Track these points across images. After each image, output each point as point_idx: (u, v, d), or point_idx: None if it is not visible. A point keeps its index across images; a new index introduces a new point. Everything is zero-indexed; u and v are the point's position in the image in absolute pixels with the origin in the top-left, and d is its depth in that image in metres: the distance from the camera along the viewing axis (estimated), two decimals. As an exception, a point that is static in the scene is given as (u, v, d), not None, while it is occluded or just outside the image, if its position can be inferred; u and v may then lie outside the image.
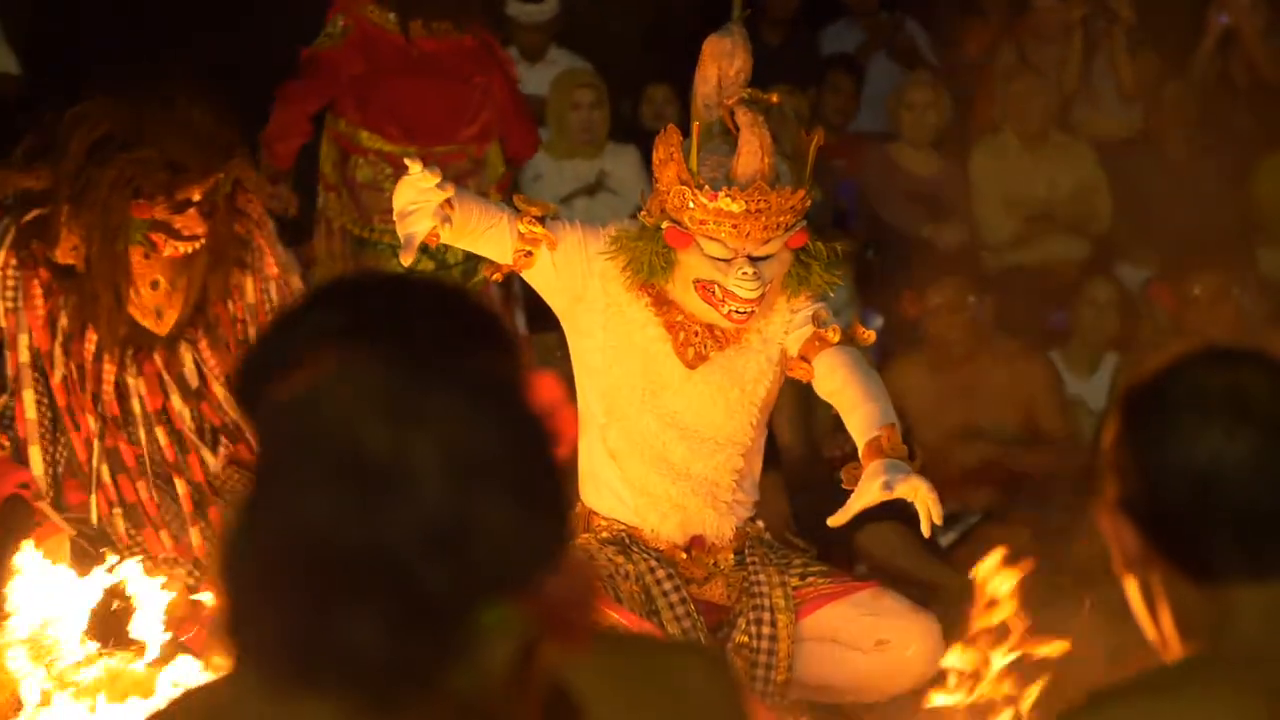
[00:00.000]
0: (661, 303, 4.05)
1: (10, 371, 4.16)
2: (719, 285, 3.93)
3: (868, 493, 3.76)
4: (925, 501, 3.70)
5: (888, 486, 3.72)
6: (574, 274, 4.04)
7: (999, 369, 6.15)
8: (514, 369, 1.74)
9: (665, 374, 4.07)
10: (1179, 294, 6.14)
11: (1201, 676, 1.82)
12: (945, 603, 4.45)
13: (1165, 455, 1.84)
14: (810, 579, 4.17)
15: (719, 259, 3.92)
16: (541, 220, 3.98)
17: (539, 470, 1.45)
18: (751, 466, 4.20)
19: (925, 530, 3.76)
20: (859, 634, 4.09)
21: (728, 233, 3.89)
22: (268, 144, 5.76)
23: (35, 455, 4.13)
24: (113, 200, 3.94)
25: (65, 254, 4.07)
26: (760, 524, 4.26)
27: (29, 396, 4.13)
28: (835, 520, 3.81)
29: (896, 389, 6.01)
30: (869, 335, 4.06)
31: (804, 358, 4.01)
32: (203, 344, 4.21)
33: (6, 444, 4.14)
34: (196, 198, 3.99)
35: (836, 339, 4.00)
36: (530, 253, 3.98)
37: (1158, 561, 1.86)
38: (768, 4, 7.95)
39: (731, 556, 4.16)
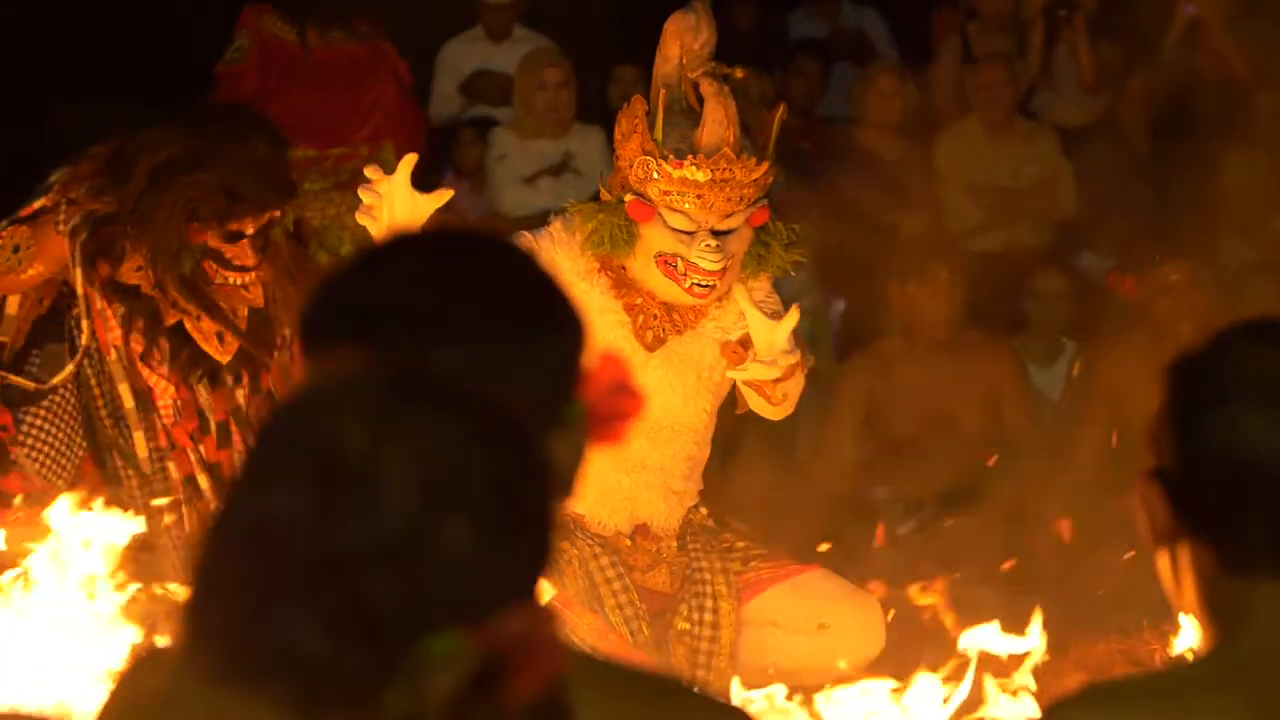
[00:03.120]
0: (620, 285, 4.04)
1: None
2: (681, 258, 3.92)
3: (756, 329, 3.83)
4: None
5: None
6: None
7: (963, 358, 6.17)
8: (565, 354, 1.69)
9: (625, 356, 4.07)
10: (1147, 282, 6.15)
11: (1209, 683, 1.77)
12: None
13: (1206, 435, 1.78)
14: (752, 563, 4.18)
15: (682, 231, 3.92)
16: None
17: (516, 506, 1.41)
18: (702, 454, 4.20)
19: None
20: (800, 617, 4.10)
21: (691, 203, 3.89)
22: None
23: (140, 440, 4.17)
24: (171, 222, 3.98)
25: (130, 274, 4.11)
26: (704, 510, 4.26)
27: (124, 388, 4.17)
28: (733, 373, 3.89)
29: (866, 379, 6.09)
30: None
31: (742, 344, 3.96)
32: (249, 381, 4.23)
33: (9, 424, 4.16)
34: (250, 230, 4.01)
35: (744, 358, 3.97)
36: None
37: (1186, 538, 1.82)
38: (739, -15, 7.94)
39: (674, 544, 4.16)
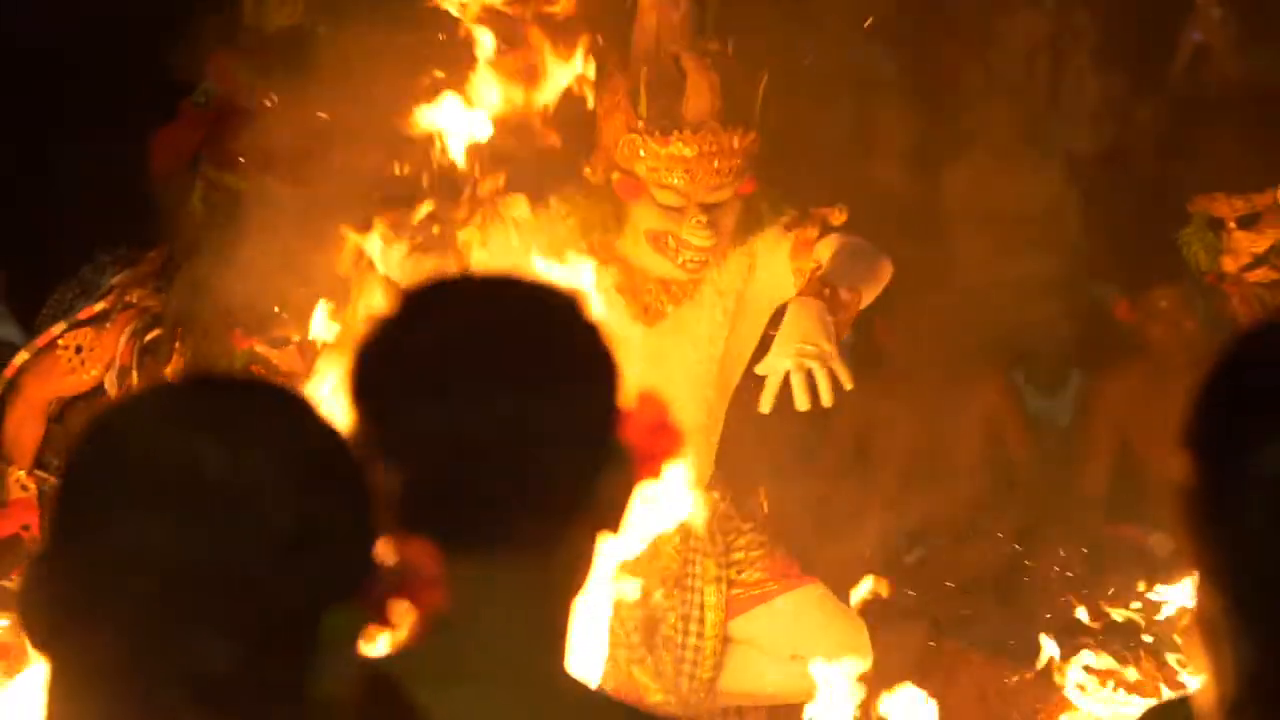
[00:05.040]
0: (612, 262, 3.99)
1: None
2: (672, 235, 3.89)
3: (773, 355, 3.69)
4: (776, 379, 3.62)
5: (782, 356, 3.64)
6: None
7: (961, 388, 6.15)
8: (607, 395, 1.71)
9: (623, 336, 3.94)
10: (1140, 307, 6.13)
11: None
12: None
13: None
14: (747, 571, 4.10)
15: (671, 208, 3.88)
16: None
17: (357, 470, 1.44)
18: (713, 426, 4.11)
19: (763, 403, 3.65)
20: (777, 642, 4.05)
21: (680, 178, 3.85)
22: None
23: None
24: (214, 328, 3.99)
25: (174, 377, 4.11)
26: (715, 495, 4.17)
27: None
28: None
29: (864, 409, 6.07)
30: (840, 215, 3.98)
31: (798, 266, 3.89)
32: None
33: (31, 487, 4.17)
34: (296, 337, 4.01)
35: (816, 233, 3.94)
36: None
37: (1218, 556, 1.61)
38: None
39: (675, 535, 4.06)
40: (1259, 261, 5.05)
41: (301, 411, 1.44)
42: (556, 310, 1.72)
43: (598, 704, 1.72)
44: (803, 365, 3.61)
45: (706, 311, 4.01)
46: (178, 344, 4.10)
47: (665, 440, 1.71)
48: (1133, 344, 6.36)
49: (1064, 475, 6.01)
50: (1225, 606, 1.44)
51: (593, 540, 1.70)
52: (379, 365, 1.69)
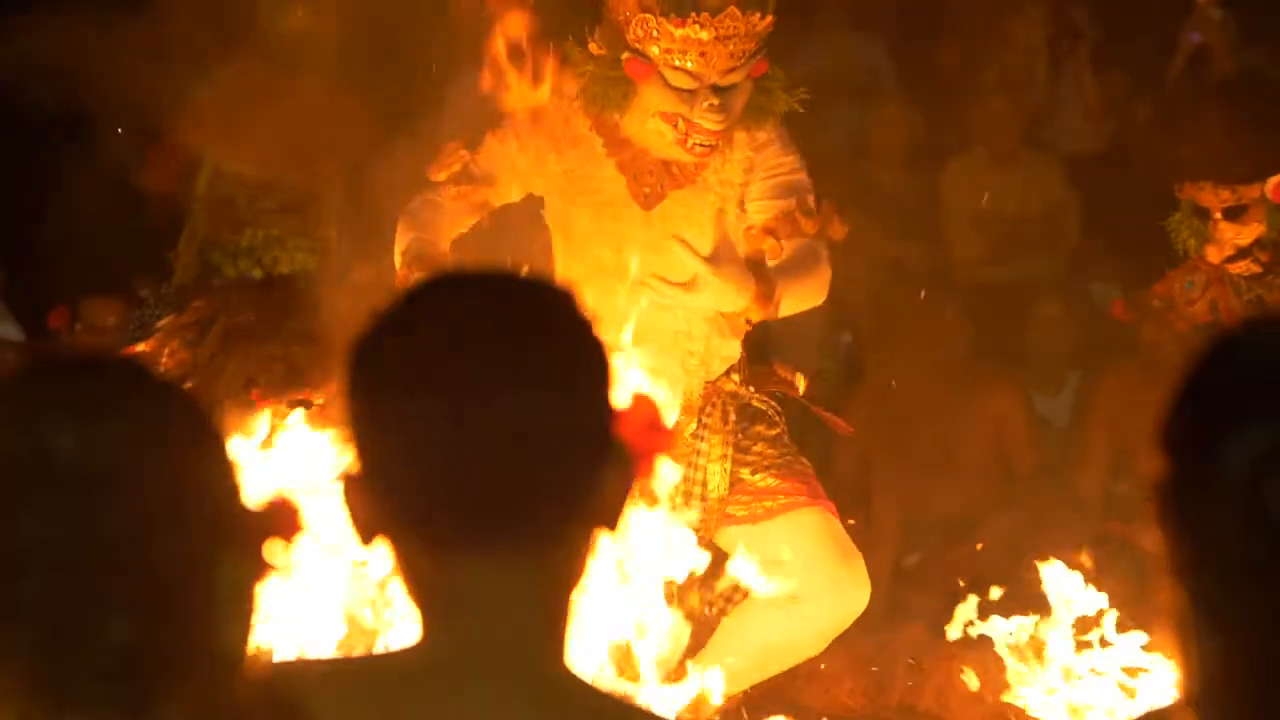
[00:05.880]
0: (614, 144, 3.92)
1: None
2: (683, 118, 3.80)
3: None
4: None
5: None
6: (514, 172, 3.93)
7: (968, 393, 6.15)
8: (602, 393, 1.70)
9: (624, 220, 3.92)
10: (1134, 306, 6.13)
11: None
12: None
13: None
14: (761, 475, 4.00)
15: (683, 90, 3.80)
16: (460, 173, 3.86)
17: (214, 431, 1.48)
18: (725, 316, 3.96)
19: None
20: (774, 566, 3.90)
21: (694, 61, 3.76)
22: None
23: None
24: (231, 390, 4.00)
25: None
26: (736, 378, 4.08)
27: None
28: None
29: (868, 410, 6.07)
30: (841, 230, 3.90)
31: (772, 232, 3.82)
32: None
33: None
34: (318, 400, 4.03)
35: (813, 232, 3.86)
36: (483, 201, 3.88)
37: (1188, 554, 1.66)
38: None
39: (692, 422, 3.99)
40: (1242, 254, 5.05)
41: (151, 382, 1.47)
42: (551, 307, 1.72)
43: (599, 701, 1.72)
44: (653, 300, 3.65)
45: (710, 198, 3.92)
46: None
47: (657, 438, 1.71)
48: (1129, 344, 6.36)
49: (1063, 476, 6.01)
50: (1191, 601, 1.46)
51: (591, 538, 1.70)
52: (375, 364, 1.68)
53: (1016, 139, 7.39)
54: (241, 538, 1.45)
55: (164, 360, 4.10)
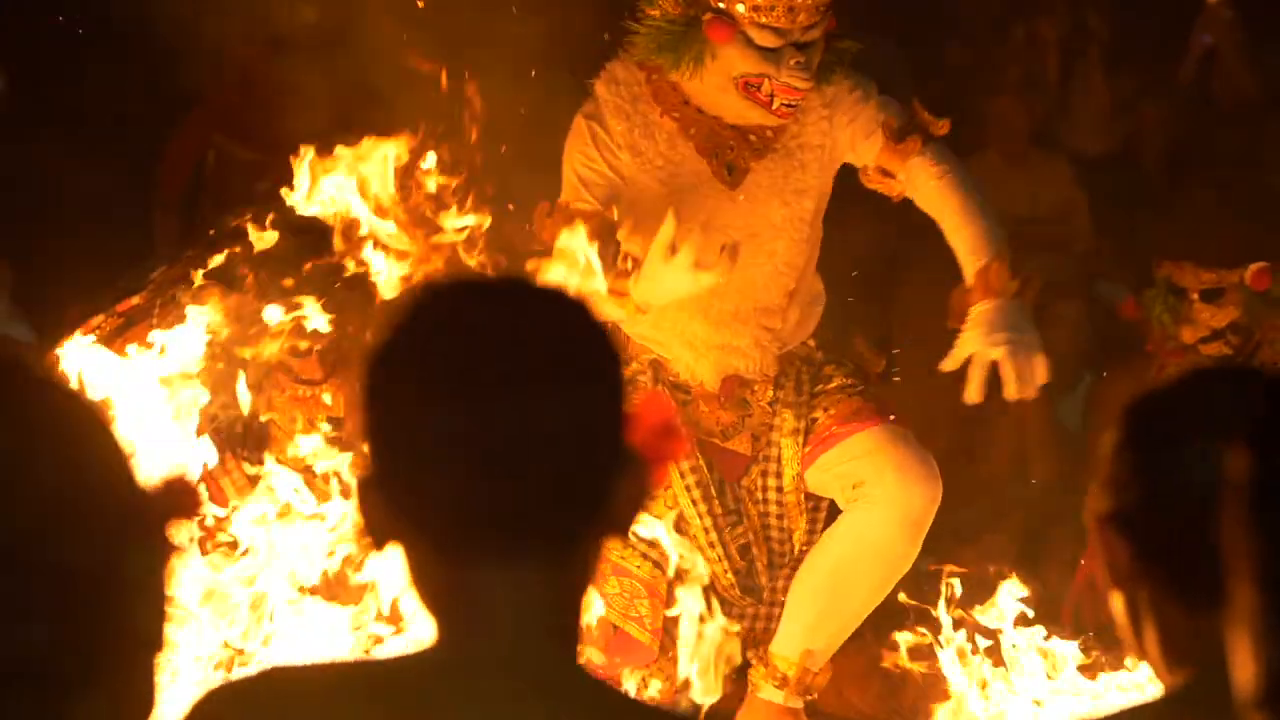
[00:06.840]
0: (687, 124, 3.87)
1: None
2: (769, 78, 3.73)
3: (970, 342, 3.68)
4: (1011, 372, 3.62)
5: (993, 345, 3.63)
6: (606, 172, 3.86)
7: (989, 395, 6.14)
8: (613, 397, 1.70)
9: (711, 201, 3.87)
10: (1143, 306, 6.13)
11: None
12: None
13: (1167, 475, 1.75)
14: (832, 409, 3.98)
15: (768, 49, 3.72)
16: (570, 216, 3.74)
17: (98, 422, 1.48)
18: (807, 288, 3.99)
19: (971, 393, 3.66)
20: (844, 473, 3.92)
21: (784, 18, 3.68)
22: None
23: None
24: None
25: None
26: (811, 343, 4.07)
27: None
28: (945, 366, 3.73)
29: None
30: (943, 125, 3.89)
31: (884, 170, 3.81)
32: None
33: None
34: (319, 346, 4.02)
35: (918, 145, 3.84)
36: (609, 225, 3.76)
37: (1147, 582, 1.76)
38: None
39: (769, 391, 3.98)
40: (1215, 335, 5.06)
41: (31, 381, 1.46)
42: (565, 314, 1.71)
43: (613, 701, 1.72)
44: (1015, 354, 3.64)
45: (794, 165, 3.88)
46: None
47: (670, 443, 1.71)
48: (1141, 343, 6.35)
49: (1075, 476, 6.00)
50: (1263, 600, 1.43)
51: (602, 542, 1.70)
52: (390, 368, 1.68)
53: (1027, 140, 7.38)
54: (144, 523, 1.46)
55: (170, 309, 4.09)
